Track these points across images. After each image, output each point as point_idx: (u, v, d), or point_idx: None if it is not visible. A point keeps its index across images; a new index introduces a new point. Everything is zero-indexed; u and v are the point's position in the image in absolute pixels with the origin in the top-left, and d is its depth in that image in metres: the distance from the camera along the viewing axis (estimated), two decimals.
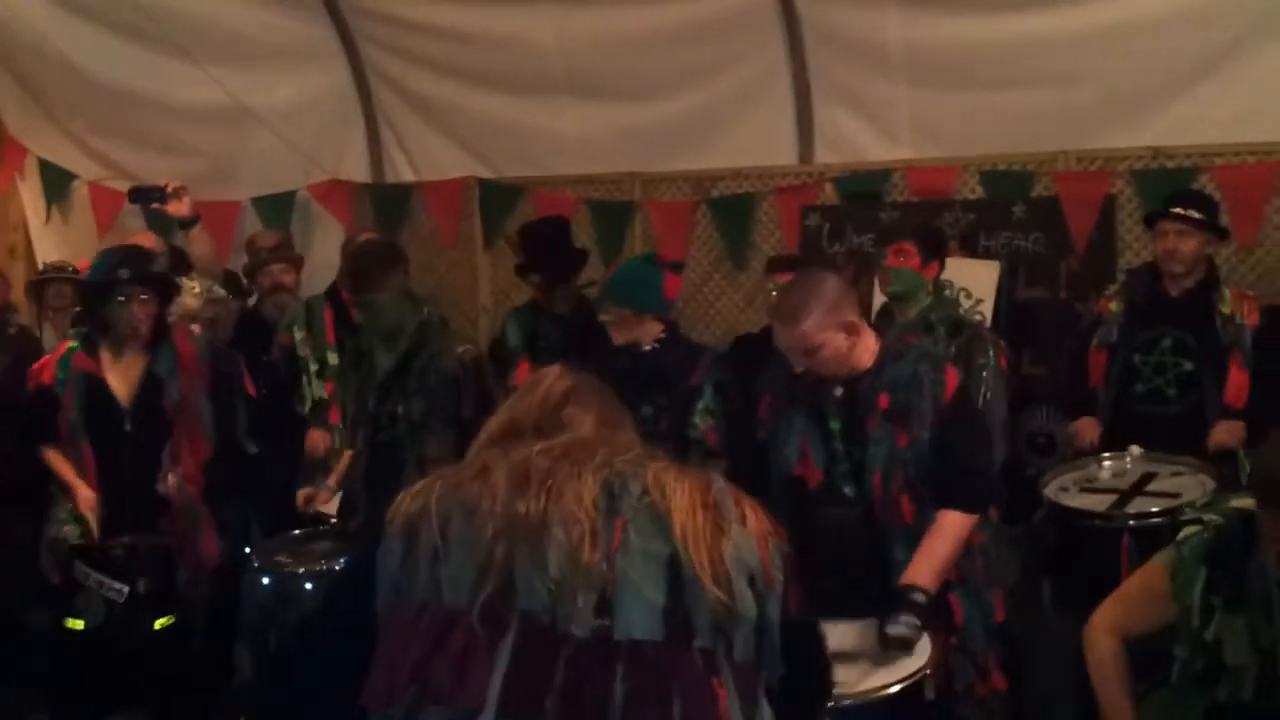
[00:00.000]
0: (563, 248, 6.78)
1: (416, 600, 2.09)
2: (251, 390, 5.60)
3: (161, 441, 5.33)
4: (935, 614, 3.90)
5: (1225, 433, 5.31)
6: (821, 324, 3.95)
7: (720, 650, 2.04)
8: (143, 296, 5.26)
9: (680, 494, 2.10)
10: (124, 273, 5.23)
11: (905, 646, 3.66)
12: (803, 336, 3.95)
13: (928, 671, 3.53)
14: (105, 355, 5.31)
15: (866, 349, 4.07)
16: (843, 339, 3.99)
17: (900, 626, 3.67)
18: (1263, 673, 3.35)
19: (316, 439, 5.98)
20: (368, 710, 2.11)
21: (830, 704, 3.22)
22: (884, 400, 3.99)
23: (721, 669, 2.04)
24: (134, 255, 5.44)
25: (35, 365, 5.35)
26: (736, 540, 2.09)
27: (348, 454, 5.72)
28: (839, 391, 4.06)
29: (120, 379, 5.31)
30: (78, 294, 5.99)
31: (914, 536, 3.97)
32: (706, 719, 2.00)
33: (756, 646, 2.09)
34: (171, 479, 5.31)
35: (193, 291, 5.93)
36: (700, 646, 2.03)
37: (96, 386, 5.27)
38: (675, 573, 2.04)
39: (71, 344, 5.34)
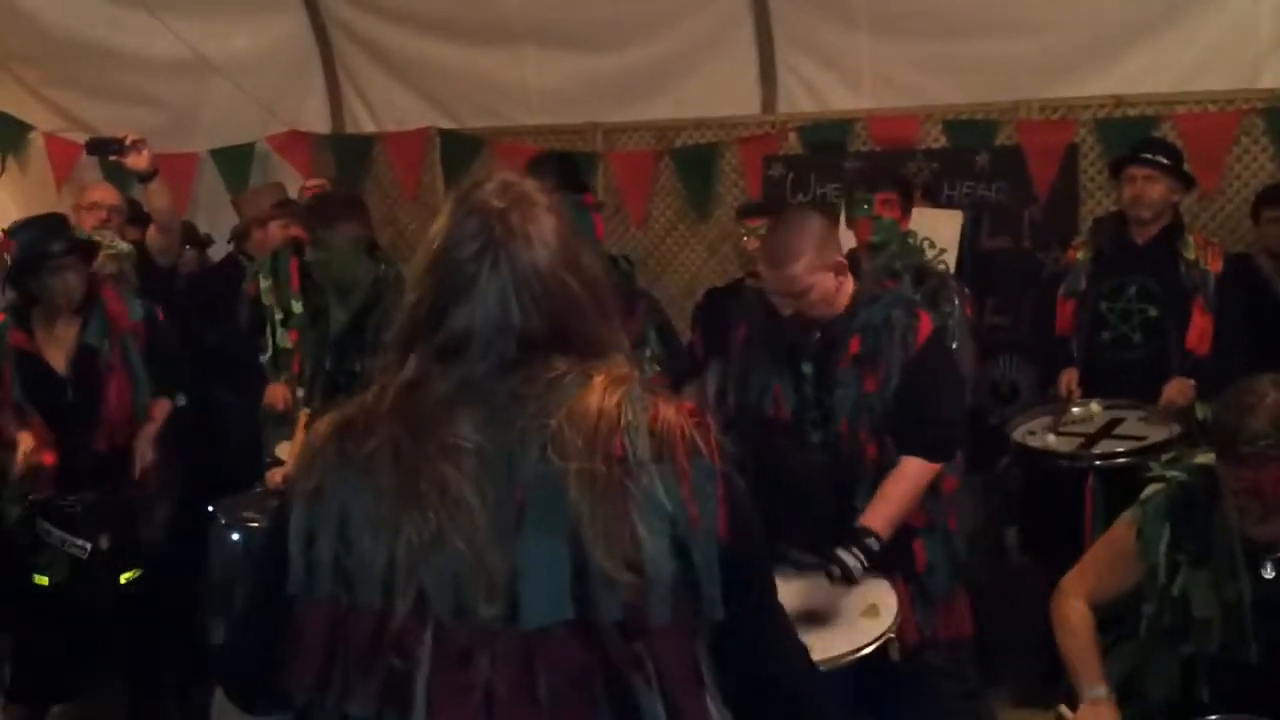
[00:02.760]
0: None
1: (325, 592, 1.97)
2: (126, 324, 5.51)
3: (99, 404, 5.33)
4: (895, 561, 3.92)
5: (1176, 391, 5.34)
6: (812, 265, 3.92)
7: (636, 620, 1.90)
8: (72, 265, 5.23)
9: (580, 448, 1.90)
10: (57, 245, 5.19)
11: (848, 580, 3.71)
12: (794, 279, 3.92)
13: (892, 635, 3.54)
14: (38, 328, 5.29)
15: (846, 293, 4.06)
16: (831, 280, 3.96)
17: (847, 560, 3.72)
18: (1227, 625, 3.38)
19: (276, 393, 5.93)
20: (294, 693, 2.00)
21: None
22: (855, 344, 3.97)
23: (641, 636, 1.91)
24: (56, 225, 5.40)
25: None
26: (648, 487, 1.91)
27: (304, 415, 5.66)
28: (815, 335, 4.04)
29: (55, 350, 5.29)
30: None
31: (878, 483, 3.97)
32: (631, 695, 1.91)
33: (680, 601, 1.94)
34: (144, 452, 5.34)
35: (107, 248, 5.85)
36: (610, 620, 1.89)
37: (33, 362, 5.26)
38: (577, 544, 1.88)
39: (3, 319, 5.30)
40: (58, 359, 5.28)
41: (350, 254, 5.58)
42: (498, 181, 2.08)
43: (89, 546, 5.03)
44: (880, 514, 3.87)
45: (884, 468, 3.98)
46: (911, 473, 3.96)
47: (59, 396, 5.27)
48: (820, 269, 3.92)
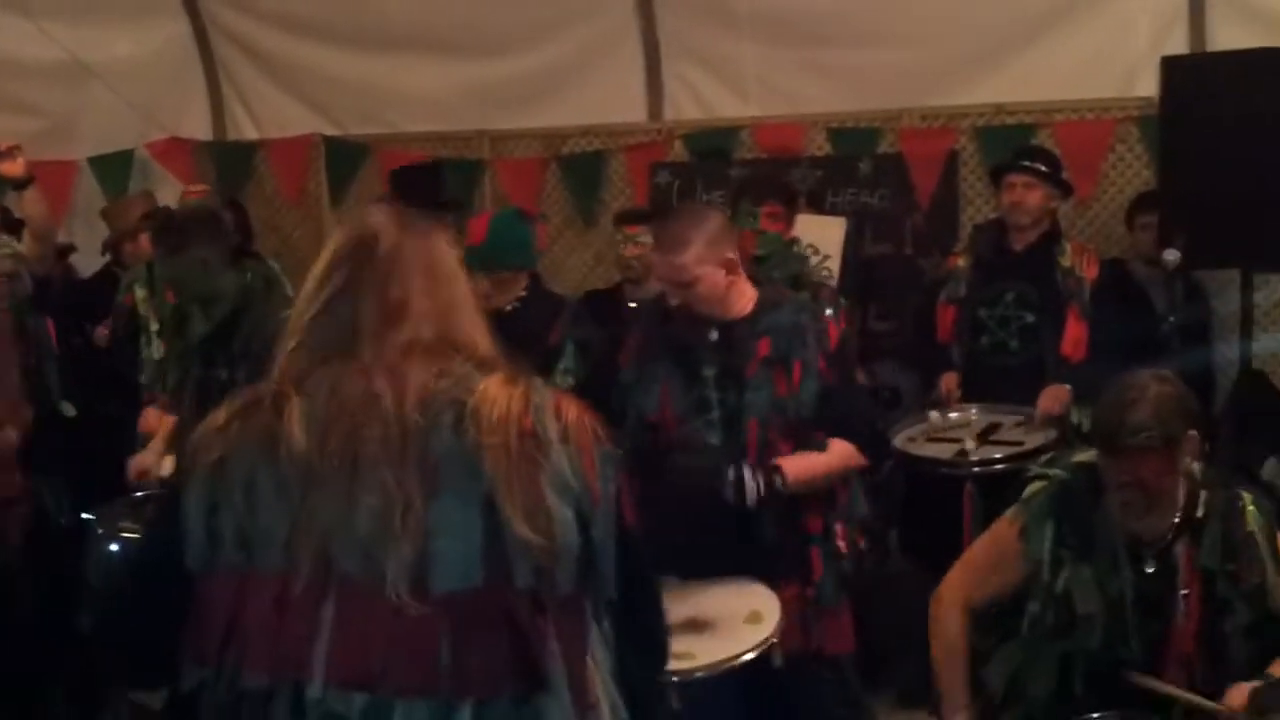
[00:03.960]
0: (433, 195, 6.67)
1: (227, 561, 1.99)
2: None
3: None
4: (791, 566, 3.94)
5: (1051, 398, 5.41)
6: (702, 256, 3.90)
7: (544, 587, 1.97)
8: None
9: (494, 423, 1.98)
10: None
11: (740, 494, 3.78)
12: (682, 268, 3.91)
13: (775, 640, 3.55)
14: None
15: (743, 294, 4.05)
16: (721, 276, 3.95)
17: (747, 476, 3.79)
18: (1109, 621, 3.43)
19: (150, 419, 5.78)
20: (189, 668, 2.01)
21: (677, 679, 3.25)
22: (764, 346, 3.97)
23: (548, 606, 1.98)
24: None
25: None
26: (556, 463, 2.00)
27: (170, 422, 5.55)
28: (714, 335, 4.03)
29: None
30: None
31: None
32: (536, 661, 1.96)
33: (581, 573, 2.01)
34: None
35: None
36: (522, 587, 1.96)
37: None
38: (490, 513, 1.95)
39: None
40: None
41: (200, 273, 5.44)
42: (386, 207, 2.24)
43: None
44: (796, 464, 3.89)
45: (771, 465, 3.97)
46: (839, 449, 3.98)
47: None
48: (709, 262, 3.92)
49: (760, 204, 5.75)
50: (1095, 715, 3.39)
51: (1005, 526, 3.62)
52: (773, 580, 3.86)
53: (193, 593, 2.01)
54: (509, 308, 4.84)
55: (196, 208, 6.22)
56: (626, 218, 6.60)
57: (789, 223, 5.84)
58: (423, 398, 2.00)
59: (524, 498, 1.95)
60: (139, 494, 5.34)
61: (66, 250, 7.50)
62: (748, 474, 3.79)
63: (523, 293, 4.96)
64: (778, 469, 3.83)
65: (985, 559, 3.72)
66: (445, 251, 2.21)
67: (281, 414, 2.01)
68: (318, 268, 2.16)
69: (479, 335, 2.16)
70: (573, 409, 2.08)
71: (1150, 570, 3.43)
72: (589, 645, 2.06)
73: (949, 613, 3.66)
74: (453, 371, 2.04)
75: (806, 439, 3.95)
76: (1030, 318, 5.65)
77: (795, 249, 5.97)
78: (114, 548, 4.96)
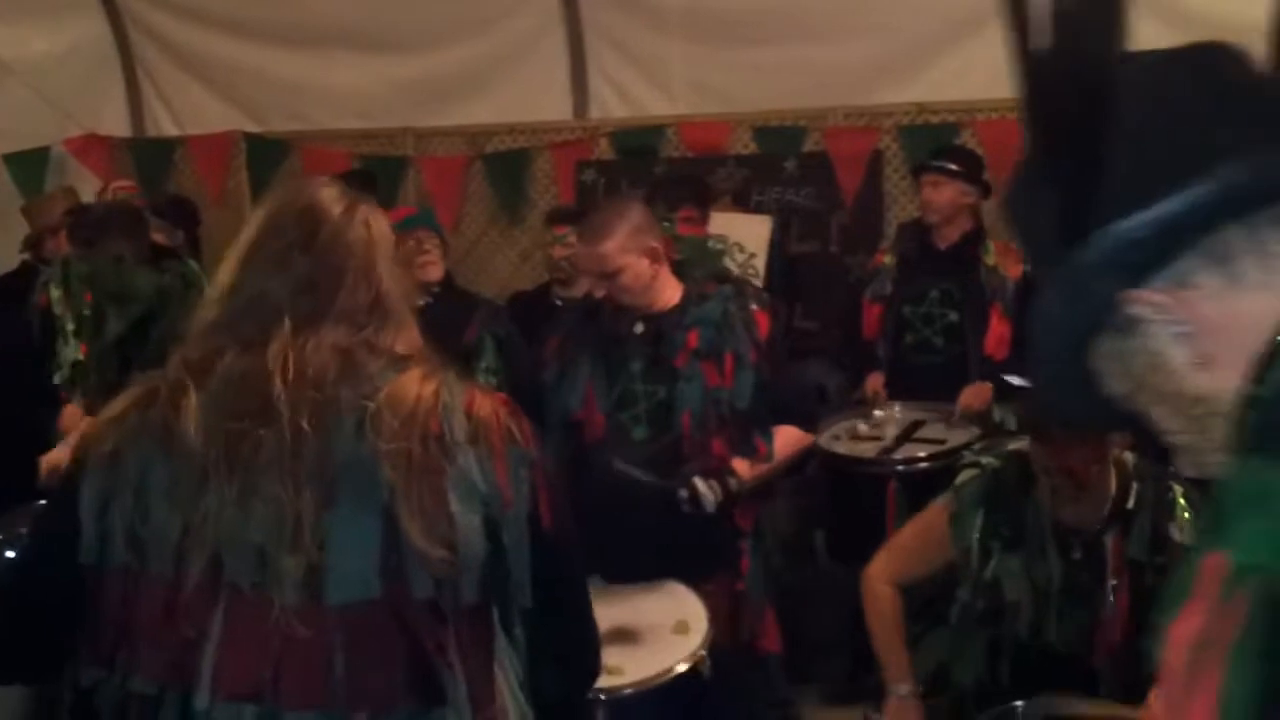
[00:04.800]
0: None
1: (118, 561, 1.93)
2: None
3: None
4: (721, 562, 3.93)
5: (973, 396, 5.44)
6: (624, 245, 3.89)
7: (446, 598, 1.91)
8: None
9: (396, 429, 1.90)
10: None
11: (697, 507, 3.75)
12: (605, 257, 3.89)
13: (704, 652, 3.53)
14: None
15: (668, 286, 4.03)
16: (645, 265, 3.93)
17: (701, 488, 3.76)
18: (1037, 609, 3.45)
19: (71, 415, 5.69)
20: (85, 666, 1.97)
21: (605, 698, 3.21)
22: (693, 338, 3.96)
23: (449, 616, 1.92)
24: None
25: None
26: (464, 466, 1.92)
27: (87, 422, 5.44)
28: (639, 328, 4.00)
29: None
30: None
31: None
32: (433, 674, 1.90)
33: (488, 581, 1.95)
34: None
35: None
36: (421, 598, 1.89)
37: None
38: (390, 522, 1.88)
39: None
40: None
41: (114, 269, 5.36)
42: (314, 182, 2.14)
43: None
44: (745, 465, 3.89)
45: (726, 460, 3.96)
46: (787, 435, 3.99)
47: None
48: (633, 251, 3.91)
49: (674, 209, 5.74)
50: (1019, 702, 3.40)
51: (935, 512, 3.65)
52: (701, 574, 3.84)
53: (85, 589, 1.95)
54: (421, 301, 4.80)
55: (115, 203, 6.12)
56: (556, 217, 6.56)
57: (704, 220, 5.83)
58: (326, 400, 1.92)
59: (424, 507, 1.88)
60: (41, 502, 5.23)
61: None
62: (701, 486, 3.77)
63: (435, 287, 4.97)
64: (730, 471, 3.81)
65: (914, 542, 3.75)
66: (383, 237, 2.11)
67: (178, 408, 1.94)
68: (244, 236, 2.07)
69: (403, 329, 2.07)
70: (486, 407, 2.00)
71: (1078, 558, 3.46)
72: (494, 656, 2.00)
73: (879, 589, 3.68)
74: (363, 371, 1.96)
75: (742, 432, 3.94)
76: (954, 316, 5.67)
77: (712, 245, 5.96)
78: (10, 554, 4.86)
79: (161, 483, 1.92)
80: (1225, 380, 1.14)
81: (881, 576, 3.71)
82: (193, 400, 1.93)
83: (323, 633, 1.87)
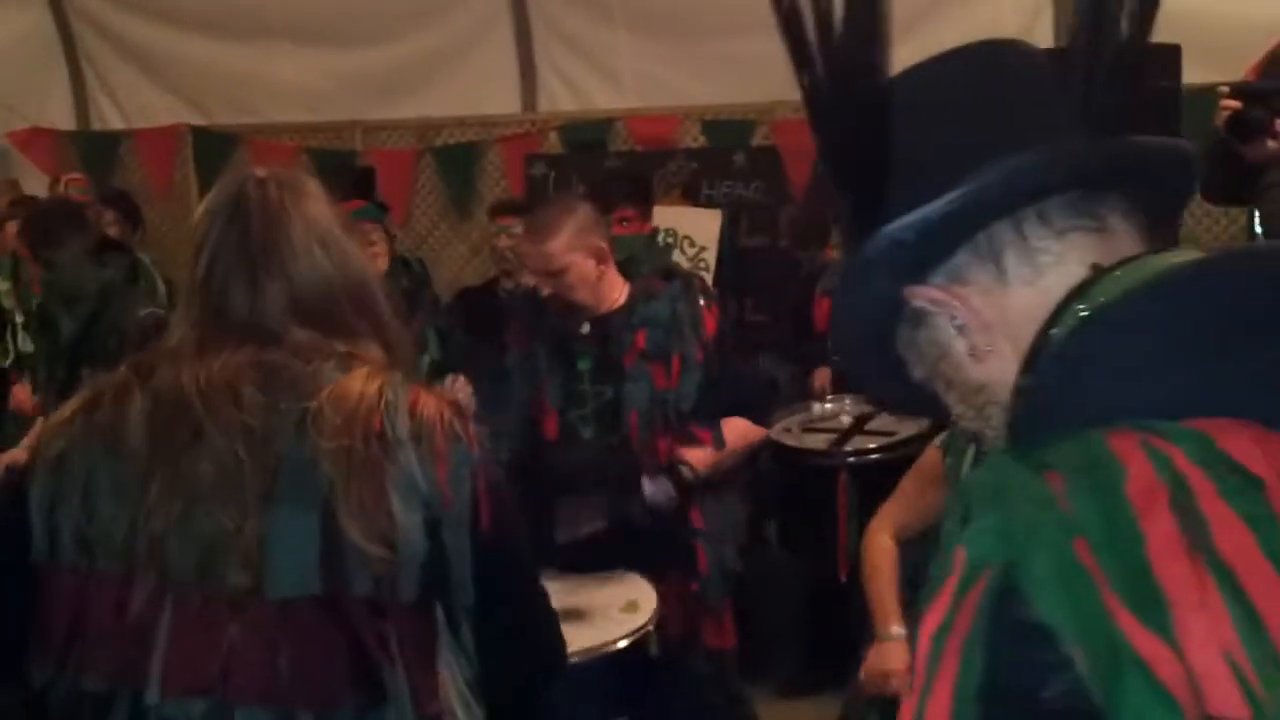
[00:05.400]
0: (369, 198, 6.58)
1: (67, 561, 1.91)
2: None
3: None
4: (675, 559, 3.94)
5: None
6: (570, 244, 3.86)
7: (385, 595, 1.89)
8: None
9: (338, 426, 1.87)
10: None
11: (657, 511, 3.74)
12: (550, 256, 3.85)
13: (650, 628, 3.54)
14: None
15: (614, 285, 4.03)
16: (591, 266, 3.92)
17: (657, 492, 3.73)
18: None
19: (22, 396, 5.69)
20: (37, 665, 1.94)
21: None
22: (640, 338, 3.96)
23: (390, 613, 1.90)
24: None
25: None
26: (404, 465, 1.89)
27: (40, 421, 5.41)
28: (585, 328, 4.01)
29: None
30: None
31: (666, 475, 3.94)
32: (375, 670, 1.89)
33: (429, 580, 1.93)
34: None
35: None
36: (361, 595, 1.87)
37: None
38: (330, 520, 1.86)
39: None
40: None
41: (75, 266, 5.32)
42: (265, 168, 2.08)
43: None
44: (699, 452, 3.87)
45: (672, 461, 3.97)
46: (738, 426, 3.97)
47: None
48: (578, 250, 3.89)
49: (609, 211, 5.72)
50: None
51: (932, 452, 3.68)
52: (656, 573, 3.85)
53: (37, 589, 1.93)
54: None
55: (61, 202, 6.06)
56: (500, 209, 6.54)
57: (645, 216, 5.81)
58: (267, 400, 1.90)
59: (364, 504, 1.86)
60: None
61: None
62: (650, 488, 3.76)
63: None
64: (682, 462, 3.83)
65: (912, 485, 3.75)
66: (330, 220, 2.05)
67: (123, 412, 1.92)
68: (192, 232, 2.05)
69: (360, 319, 2.04)
70: (431, 406, 1.97)
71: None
72: (438, 653, 1.99)
73: (877, 538, 3.68)
74: (308, 368, 1.93)
75: (685, 433, 3.95)
76: None
77: (658, 240, 5.97)
78: None
79: (107, 484, 1.91)
80: (1001, 372, 1.19)
81: (882, 527, 3.70)
82: (137, 403, 1.92)
83: (266, 629, 1.86)
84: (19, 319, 5.82)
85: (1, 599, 2.00)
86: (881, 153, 1.22)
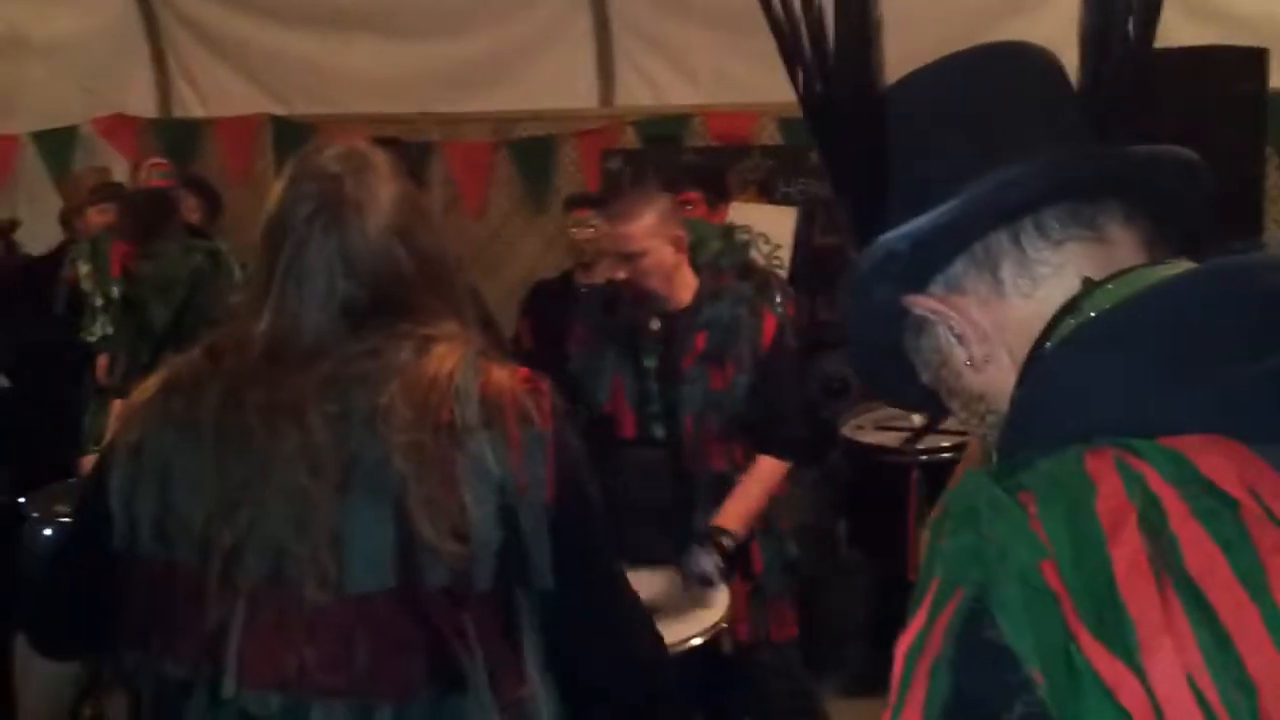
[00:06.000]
0: None
1: (146, 548, 1.92)
2: None
3: None
4: (733, 562, 3.93)
5: None
6: (651, 229, 3.89)
7: (460, 586, 1.88)
8: None
9: (408, 420, 1.86)
10: None
11: (706, 584, 3.68)
12: (631, 237, 3.88)
13: (724, 625, 3.54)
14: None
15: (686, 282, 4.03)
16: (669, 253, 3.94)
17: (704, 564, 3.70)
18: None
19: (104, 364, 5.77)
20: (124, 650, 1.98)
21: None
22: (701, 340, 3.96)
23: (466, 603, 1.89)
24: None
25: None
26: (476, 452, 1.87)
27: (118, 404, 5.48)
28: (655, 325, 4.01)
29: None
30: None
31: (721, 483, 3.95)
32: (453, 661, 1.89)
33: (505, 567, 1.90)
34: None
35: None
36: (435, 587, 1.86)
37: None
38: (402, 512, 1.85)
39: None
40: None
41: (171, 256, 5.41)
42: (340, 147, 2.04)
43: None
44: (735, 512, 3.86)
45: (726, 466, 3.97)
46: (766, 472, 3.96)
47: None
48: (659, 236, 3.91)
49: (675, 192, 5.73)
50: None
51: (974, 440, 3.70)
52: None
53: (119, 574, 1.95)
54: None
55: (153, 194, 6.12)
56: (576, 202, 6.56)
57: (713, 207, 5.81)
58: (341, 391, 1.89)
59: (435, 498, 1.85)
60: (74, 480, 5.28)
61: (8, 227, 7.37)
62: (702, 565, 3.73)
63: None
64: (723, 530, 3.81)
65: (960, 471, 3.79)
66: (401, 203, 2.02)
67: (198, 397, 1.93)
68: (265, 213, 2.01)
69: (436, 298, 2.01)
70: (504, 386, 1.95)
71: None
72: (519, 641, 1.97)
73: (928, 533, 3.70)
74: (379, 361, 1.92)
75: (737, 437, 3.96)
76: None
77: (737, 236, 5.95)
78: (47, 532, 4.91)
79: (183, 472, 1.91)
80: (1000, 382, 1.19)
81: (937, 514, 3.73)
82: (211, 394, 1.92)
83: (343, 623, 1.85)
84: (98, 302, 5.90)
85: (90, 585, 2.04)
86: (878, 162, 1.23)
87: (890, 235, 1.20)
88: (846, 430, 5.29)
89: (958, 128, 1.23)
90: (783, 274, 6.04)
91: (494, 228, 8.00)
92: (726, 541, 3.78)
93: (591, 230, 6.15)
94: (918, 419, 5.36)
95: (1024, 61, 1.29)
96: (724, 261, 5.33)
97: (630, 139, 7.70)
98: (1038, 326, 1.14)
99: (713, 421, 3.94)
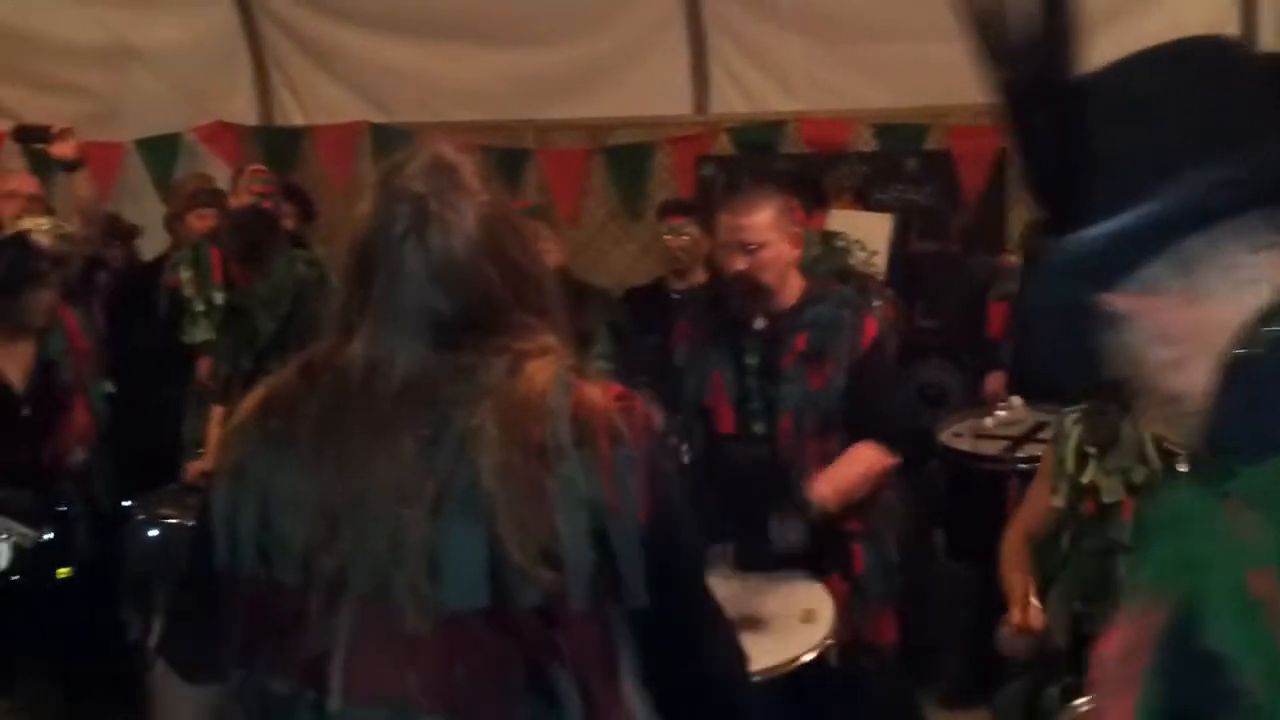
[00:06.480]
0: None
1: (248, 567, 1.94)
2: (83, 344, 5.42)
3: (56, 421, 5.21)
4: (835, 561, 3.93)
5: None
6: (773, 222, 3.95)
7: (554, 605, 1.87)
8: (50, 283, 5.15)
9: (500, 441, 1.86)
10: (43, 264, 5.11)
11: (790, 552, 3.74)
12: (752, 227, 3.93)
13: (831, 640, 3.53)
14: None
15: (795, 283, 4.06)
16: (787, 249, 3.98)
17: (790, 532, 3.73)
18: (1140, 512, 3.49)
19: (204, 366, 5.86)
20: (227, 668, 2.00)
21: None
22: (801, 340, 3.97)
23: (560, 622, 1.88)
24: (30, 244, 5.27)
25: None
26: (568, 473, 1.87)
27: (220, 411, 5.56)
28: (760, 324, 4.02)
29: (14, 365, 5.14)
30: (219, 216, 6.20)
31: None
32: (548, 680, 1.89)
33: (598, 586, 1.90)
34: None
35: (42, 229, 5.71)
36: (529, 607, 1.86)
37: None
38: (494, 534, 1.84)
39: None
40: (15, 375, 5.16)
41: (277, 271, 5.50)
42: (425, 159, 2.01)
43: (35, 536, 4.90)
44: (828, 482, 3.86)
45: (822, 465, 3.94)
46: (864, 453, 3.96)
47: (14, 413, 5.13)
48: (780, 229, 3.96)
49: None
50: None
51: (1046, 450, 3.76)
52: (817, 574, 3.86)
53: (223, 594, 1.99)
54: None
55: (257, 214, 6.17)
56: (670, 209, 6.57)
57: (808, 210, 5.81)
58: (436, 412, 1.90)
59: (525, 522, 1.85)
60: (179, 484, 5.37)
61: (132, 232, 7.46)
62: (790, 534, 3.75)
63: None
64: (813, 503, 3.80)
65: (1036, 486, 3.83)
66: (491, 218, 1.99)
67: (296, 418, 1.95)
68: (356, 224, 1.99)
69: (528, 313, 2.01)
70: (596, 405, 1.94)
71: (1185, 471, 3.47)
72: (615, 661, 1.97)
73: (1012, 536, 3.79)
74: (473, 380, 1.92)
75: (834, 436, 3.96)
76: None
77: (838, 243, 5.95)
78: (153, 533, 5.00)
79: (283, 493, 1.93)
80: (1193, 385, 1.17)
81: (1014, 529, 3.81)
82: (309, 410, 1.94)
83: (441, 641, 1.87)
84: (199, 307, 5.99)
85: (195, 603, 2.09)
86: (1076, 154, 1.21)
87: (1087, 233, 1.19)
88: (944, 438, 5.25)
89: (1160, 122, 1.21)
90: (880, 279, 6.02)
91: (588, 235, 8.03)
92: (813, 513, 3.78)
93: (686, 237, 6.16)
94: (1016, 430, 5.31)
95: (1227, 56, 1.27)
96: (822, 267, 5.35)
97: (724, 146, 7.70)
98: (1232, 332, 1.13)
99: (810, 420, 3.94)
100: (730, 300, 4.06)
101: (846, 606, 3.94)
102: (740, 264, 3.96)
